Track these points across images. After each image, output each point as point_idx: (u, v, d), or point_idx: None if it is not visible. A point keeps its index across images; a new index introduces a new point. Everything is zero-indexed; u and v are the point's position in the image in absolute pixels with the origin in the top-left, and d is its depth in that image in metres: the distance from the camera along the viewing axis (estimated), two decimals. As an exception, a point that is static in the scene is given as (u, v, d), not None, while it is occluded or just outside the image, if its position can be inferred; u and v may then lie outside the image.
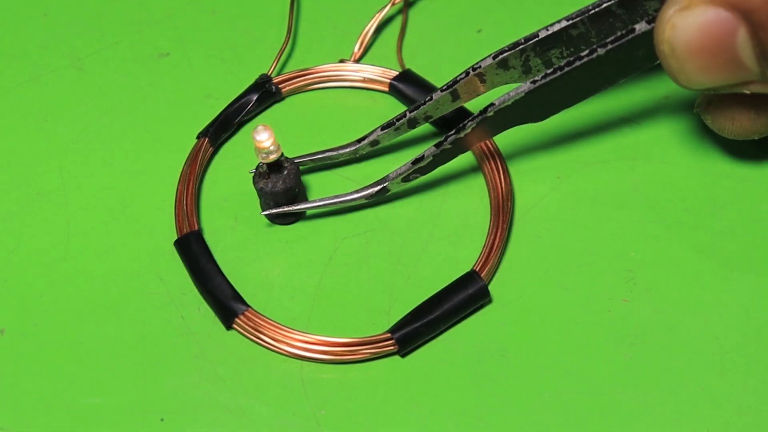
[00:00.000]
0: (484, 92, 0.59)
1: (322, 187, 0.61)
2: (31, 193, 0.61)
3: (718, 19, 0.52)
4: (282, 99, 0.64)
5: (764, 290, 0.59)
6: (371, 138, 0.60)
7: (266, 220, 0.60)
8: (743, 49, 0.52)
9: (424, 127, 0.63)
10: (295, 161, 0.59)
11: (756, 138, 0.58)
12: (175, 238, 0.59)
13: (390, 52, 0.65)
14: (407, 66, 0.64)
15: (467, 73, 0.58)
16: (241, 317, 0.57)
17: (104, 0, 0.66)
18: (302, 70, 0.64)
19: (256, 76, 0.63)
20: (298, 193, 0.59)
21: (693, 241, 0.60)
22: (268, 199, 0.58)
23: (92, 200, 0.61)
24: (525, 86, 0.56)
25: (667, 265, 0.59)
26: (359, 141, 0.60)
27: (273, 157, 0.57)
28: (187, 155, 0.61)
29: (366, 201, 0.60)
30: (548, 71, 0.55)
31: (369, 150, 0.61)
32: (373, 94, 0.64)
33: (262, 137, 0.56)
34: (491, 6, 0.66)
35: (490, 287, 0.58)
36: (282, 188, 0.58)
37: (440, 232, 0.60)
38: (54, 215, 0.60)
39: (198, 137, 0.62)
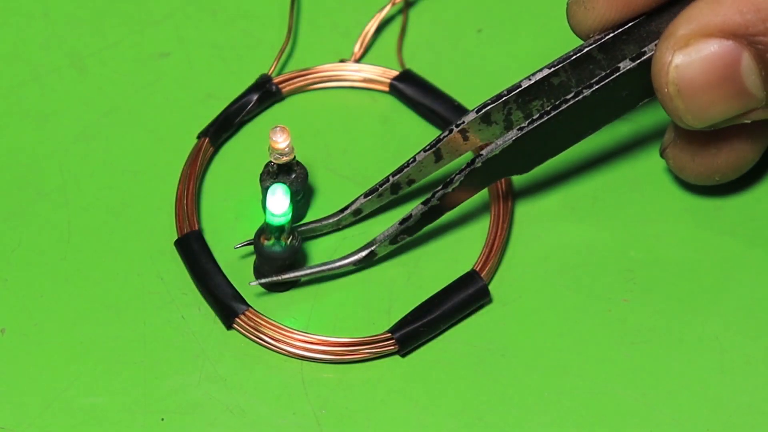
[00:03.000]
0: (467, 150, 0.58)
1: (326, 191, 0.61)
2: (31, 193, 0.61)
3: (722, 51, 0.51)
4: (282, 99, 0.64)
5: (764, 290, 0.59)
6: (354, 207, 0.58)
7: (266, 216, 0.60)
8: (748, 77, 0.52)
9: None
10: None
11: (717, 180, 0.58)
12: (176, 237, 0.59)
13: (390, 52, 0.65)
14: (407, 66, 0.64)
15: (450, 130, 0.57)
16: (242, 317, 0.57)
17: (104, 0, 0.66)
18: (302, 70, 0.64)
19: (257, 76, 0.63)
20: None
21: (693, 241, 0.60)
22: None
23: (92, 200, 0.61)
24: (512, 133, 0.55)
25: (667, 265, 0.59)
26: (341, 211, 0.59)
27: (286, 159, 0.57)
28: (187, 155, 0.61)
29: (354, 267, 0.58)
30: (534, 117, 0.55)
31: (352, 219, 0.59)
32: (374, 94, 0.64)
33: (279, 138, 0.56)
34: (491, 6, 0.66)
35: (490, 287, 0.58)
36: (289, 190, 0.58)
37: (440, 232, 0.60)
38: (54, 215, 0.60)
39: (198, 137, 0.62)
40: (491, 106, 0.57)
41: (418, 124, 0.63)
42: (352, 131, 0.63)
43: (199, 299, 0.58)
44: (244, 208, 0.60)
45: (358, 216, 0.59)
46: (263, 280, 0.57)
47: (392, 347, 0.57)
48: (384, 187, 0.58)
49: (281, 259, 0.57)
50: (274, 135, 0.57)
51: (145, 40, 0.65)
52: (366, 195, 0.59)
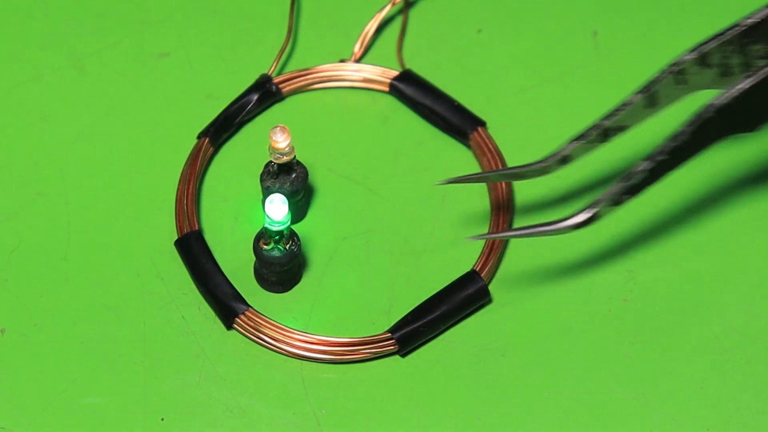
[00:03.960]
0: (681, 96, 0.54)
1: (326, 191, 0.61)
2: (31, 193, 0.61)
3: None
4: (282, 99, 0.64)
5: (764, 290, 0.59)
6: (562, 153, 0.54)
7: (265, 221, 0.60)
8: None
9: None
10: (477, 177, 0.55)
11: None
12: (176, 237, 0.59)
13: (390, 52, 0.65)
14: (407, 66, 0.64)
15: (665, 72, 0.53)
16: (242, 317, 0.57)
17: (104, 0, 0.66)
18: (302, 70, 0.64)
19: (257, 76, 0.63)
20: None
21: (693, 241, 0.60)
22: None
23: (92, 200, 0.61)
24: (743, 81, 0.51)
25: (667, 265, 0.59)
26: (549, 158, 0.55)
27: (286, 158, 0.57)
28: (187, 155, 0.61)
29: (572, 230, 0.53)
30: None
31: (559, 167, 0.55)
32: (374, 94, 0.64)
33: (279, 138, 0.56)
34: (491, 6, 0.66)
35: (490, 287, 0.58)
36: (289, 190, 0.58)
37: (440, 232, 0.60)
38: (54, 215, 0.60)
39: (198, 137, 0.62)
40: (710, 45, 0.52)
41: (418, 124, 0.63)
42: (352, 131, 0.63)
43: (199, 299, 0.58)
44: (244, 208, 0.60)
45: (566, 163, 0.55)
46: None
47: (392, 347, 0.57)
48: (594, 132, 0.54)
49: (280, 264, 0.57)
50: (274, 135, 0.57)
51: (145, 40, 0.65)
52: (575, 140, 0.54)
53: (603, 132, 0.54)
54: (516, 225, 0.60)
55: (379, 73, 0.64)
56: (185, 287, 0.58)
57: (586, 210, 0.53)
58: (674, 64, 0.53)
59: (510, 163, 0.61)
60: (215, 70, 0.64)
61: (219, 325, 0.58)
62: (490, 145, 0.61)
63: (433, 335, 0.57)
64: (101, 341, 0.57)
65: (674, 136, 0.52)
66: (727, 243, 0.60)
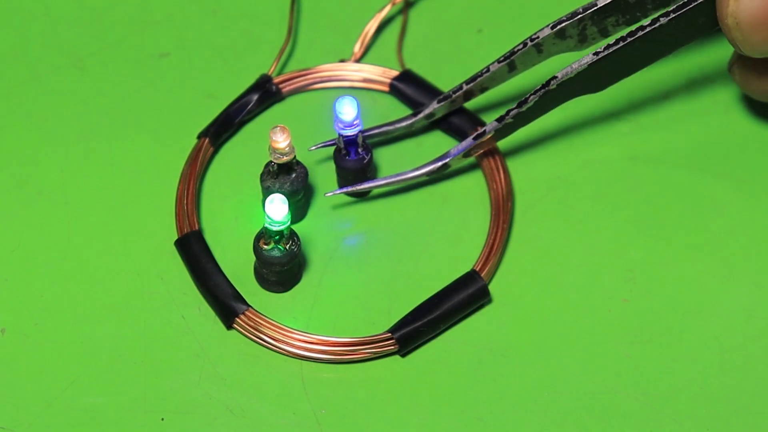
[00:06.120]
0: (540, 62, 0.59)
1: (326, 191, 0.61)
2: (31, 193, 0.61)
3: None
4: (282, 99, 0.64)
5: (764, 290, 0.59)
6: (427, 111, 0.61)
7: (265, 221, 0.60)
8: None
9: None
10: (363, 135, 0.59)
11: None
12: (176, 237, 0.59)
13: (390, 52, 0.65)
14: (407, 66, 0.64)
15: (525, 44, 0.58)
16: (242, 317, 0.57)
17: (104, 0, 0.66)
18: (302, 70, 0.64)
19: (257, 76, 0.63)
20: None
21: (693, 241, 0.60)
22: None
23: (92, 200, 0.61)
24: (587, 58, 0.56)
25: (667, 265, 0.59)
26: (414, 115, 0.61)
27: (286, 158, 0.57)
28: (187, 155, 0.61)
29: (427, 177, 0.60)
30: (611, 43, 0.56)
31: (424, 124, 0.61)
32: (374, 94, 0.64)
33: (279, 138, 0.56)
34: (491, 6, 0.66)
35: (490, 287, 0.58)
36: (289, 190, 0.58)
37: (440, 232, 0.60)
38: (54, 215, 0.60)
39: (198, 137, 0.62)
40: (566, 22, 0.58)
41: (418, 124, 0.63)
42: (352, 131, 0.63)
43: (199, 299, 0.58)
44: (244, 208, 0.60)
45: (430, 120, 0.61)
46: (339, 191, 0.60)
47: (392, 347, 0.57)
48: (457, 93, 0.60)
49: (280, 264, 0.57)
50: (275, 135, 0.57)
51: (145, 40, 0.65)
52: (439, 100, 0.61)
53: (465, 93, 0.60)
54: (516, 227, 0.60)
55: (379, 73, 0.64)
56: (185, 287, 0.58)
57: (438, 160, 0.60)
58: (532, 38, 0.58)
59: (510, 164, 0.61)
60: (215, 70, 0.64)
61: (219, 325, 0.58)
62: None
63: (433, 335, 0.57)
64: (101, 341, 0.57)
65: (519, 103, 0.57)
66: (727, 243, 0.60)
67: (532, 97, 0.57)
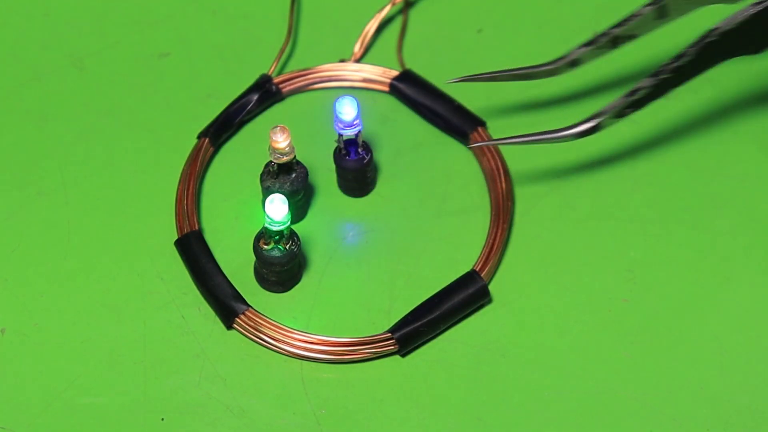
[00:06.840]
0: (692, 10, 0.55)
1: (326, 191, 0.61)
2: (31, 193, 0.61)
3: None
4: (282, 99, 0.64)
5: (764, 290, 0.59)
6: (572, 57, 0.58)
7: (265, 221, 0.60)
8: None
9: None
10: (489, 76, 0.57)
11: None
12: (176, 237, 0.59)
13: (390, 52, 0.65)
14: (407, 66, 0.64)
15: None
16: (242, 317, 0.57)
17: (104, 0, 0.66)
18: (302, 70, 0.64)
19: (257, 76, 0.63)
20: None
21: (693, 241, 0.60)
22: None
23: (92, 200, 0.61)
24: (749, 9, 0.53)
25: (667, 265, 0.59)
26: (558, 60, 0.58)
27: (286, 158, 0.57)
28: (187, 155, 0.61)
29: (575, 139, 0.56)
30: None
31: (568, 69, 0.58)
32: (374, 94, 0.64)
33: (279, 138, 0.57)
34: (491, 6, 0.67)
35: (490, 287, 0.58)
36: (289, 190, 0.58)
37: (440, 232, 0.60)
38: (54, 215, 0.60)
39: (198, 137, 0.62)
40: None
41: (418, 124, 0.63)
42: (352, 131, 0.63)
43: (199, 299, 0.58)
44: (244, 208, 0.60)
45: (575, 66, 0.58)
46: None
47: (392, 347, 0.57)
48: (603, 39, 0.57)
49: (280, 264, 0.57)
50: (275, 135, 0.57)
51: (145, 40, 0.65)
52: (584, 45, 0.57)
53: (612, 39, 0.56)
54: (516, 227, 0.60)
55: (379, 73, 0.64)
56: (185, 287, 0.58)
57: (590, 120, 0.55)
58: None
59: (510, 164, 0.61)
60: (215, 70, 0.64)
61: (219, 325, 0.58)
62: (491, 145, 0.61)
63: (433, 335, 0.57)
64: (101, 341, 0.57)
65: (678, 56, 0.54)
66: (727, 243, 0.60)
67: (690, 49, 0.54)
